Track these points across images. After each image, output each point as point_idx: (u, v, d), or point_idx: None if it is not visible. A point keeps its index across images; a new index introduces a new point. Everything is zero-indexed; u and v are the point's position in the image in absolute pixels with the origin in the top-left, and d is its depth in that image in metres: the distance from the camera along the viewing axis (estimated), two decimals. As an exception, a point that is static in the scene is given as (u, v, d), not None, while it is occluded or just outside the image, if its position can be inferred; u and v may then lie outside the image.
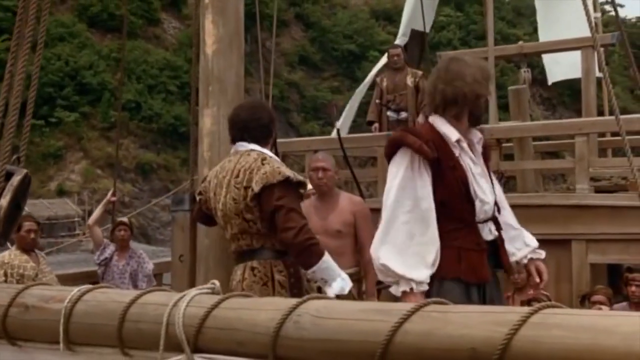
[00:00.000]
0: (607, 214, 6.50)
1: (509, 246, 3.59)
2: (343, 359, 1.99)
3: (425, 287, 3.26)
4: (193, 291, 2.33)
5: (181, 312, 2.23)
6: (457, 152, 3.39)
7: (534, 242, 3.68)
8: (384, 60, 10.75)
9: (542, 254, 3.69)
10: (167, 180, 39.71)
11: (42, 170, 38.63)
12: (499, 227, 3.51)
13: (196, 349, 2.21)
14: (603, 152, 10.67)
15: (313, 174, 5.10)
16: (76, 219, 35.65)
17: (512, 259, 3.61)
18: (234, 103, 4.47)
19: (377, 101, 9.34)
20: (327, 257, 3.76)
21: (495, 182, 3.64)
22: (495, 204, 3.50)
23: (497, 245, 3.50)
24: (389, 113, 9.14)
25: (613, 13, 8.23)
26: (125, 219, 8.01)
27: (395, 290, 3.28)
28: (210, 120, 4.41)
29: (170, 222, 4.82)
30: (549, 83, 13.43)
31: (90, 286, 2.52)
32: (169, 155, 41.82)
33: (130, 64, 41.45)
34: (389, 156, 3.41)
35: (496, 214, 3.53)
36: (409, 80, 9.02)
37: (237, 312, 2.18)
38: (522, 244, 3.66)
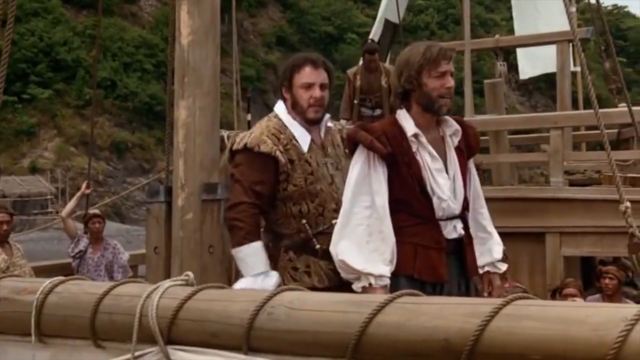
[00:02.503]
0: (580, 207, 6.56)
1: (475, 247, 3.45)
2: (317, 350, 1.99)
3: (386, 282, 3.16)
4: (167, 283, 2.32)
5: (155, 303, 2.22)
6: (414, 146, 3.29)
7: (497, 254, 3.51)
8: None
9: (502, 268, 3.53)
10: (141, 159, 39.40)
11: (15, 147, 38.19)
12: (467, 227, 3.38)
13: (170, 341, 2.21)
14: (577, 146, 10.76)
15: None
16: (49, 197, 35.32)
17: None
18: (210, 94, 4.44)
19: (350, 97, 9.21)
20: (245, 250, 3.37)
21: (474, 178, 3.49)
22: (465, 201, 3.36)
23: (463, 245, 3.36)
24: (362, 109, 9.04)
25: (588, 1, 8.25)
26: (97, 211, 7.95)
27: (356, 286, 3.18)
28: (186, 112, 4.36)
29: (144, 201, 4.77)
30: (521, 77, 13.51)
31: (63, 278, 2.50)
32: (144, 134, 41.43)
33: (105, 42, 40.83)
34: (351, 152, 3.33)
35: (468, 212, 3.42)
36: (383, 81, 8.91)
37: (210, 303, 2.18)
38: (486, 250, 3.49)
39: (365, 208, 3.20)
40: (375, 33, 11.07)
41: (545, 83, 49.29)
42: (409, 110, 3.35)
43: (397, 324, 1.89)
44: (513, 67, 14.93)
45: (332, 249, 3.23)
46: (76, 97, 40.57)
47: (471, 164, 3.53)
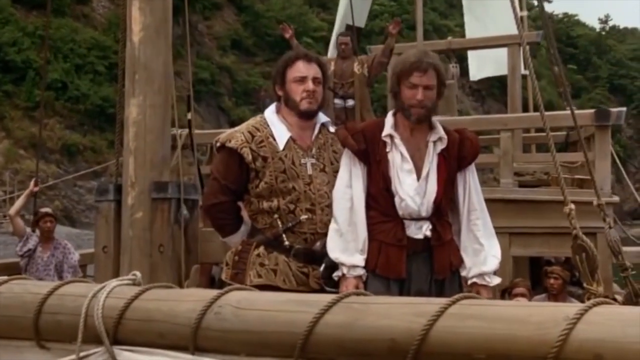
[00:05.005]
0: (529, 208, 6.65)
1: (466, 258, 3.48)
2: (264, 350, 1.99)
3: (359, 272, 3.35)
4: (113, 282, 2.30)
5: (100, 303, 2.19)
6: (388, 147, 3.43)
7: (488, 267, 3.45)
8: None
9: (491, 281, 3.47)
10: (93, 162, 38.68)
11: (-39, 149, 37.34)
12: (439, 229, 3.42)
13: (116, 341, 2.18)
14: (527, 148, 10.92)
15: None
16: (-4, 200, 34.52)
17: (462, 272, 3.51)
18: (161, 92, 4.40)
19: None
20: (234, 238, 3.55)
21: (471, 190, 3.50)
22: (436, 205, 3.41)
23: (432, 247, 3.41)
24: (335, 100, 8.96)
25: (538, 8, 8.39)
26: (49, 210, 7.83)
27: (334, 275, 3.39)
28: (136, 110, 4.33)
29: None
30: (471, 79, 13.70)
31: (6, 277, 2.45)
32: (95, 136, 40.81)
33: (57, 43, 40.03)
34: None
35: (445, 216, 3.47)
36: (356, 68, 8.92)
37: (157, 303, 2.16)
38: (477, 262, 3.46)
39: (347, 200, 3.42)
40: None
41: (498, 89, 50.00)
42: (398, 111, 3.51)
43: (344, 323, 1.89)
44: (467, 73, 15.12)
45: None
46: (26, 99, 39.77)
47: (470, 176, 3.55)
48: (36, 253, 7.34)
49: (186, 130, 7.28)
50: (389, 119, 3.49)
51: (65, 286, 2.35)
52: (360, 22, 11.20)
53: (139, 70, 4.37)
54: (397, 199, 3.39)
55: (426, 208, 3.40)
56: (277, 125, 3.51)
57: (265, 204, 3.44)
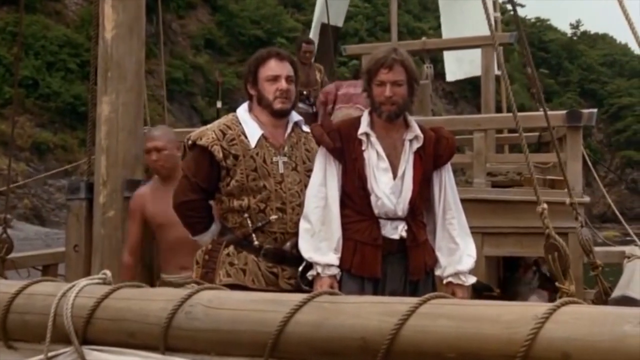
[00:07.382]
0: (502, 208, 6.68)
1: (442, 257, 3.46)
2: (235, 349, 1.99)
3: (334, 271, 3.33)
4: (83, 281, 2.28)
5: (70, 302, 2.18)
6: (364, 145, 3.42)
7: (463, 266, 3.44)
8: None
9: (467, 280, 3.46)
10: (64, 161, 38.16)
11: None
12: (414, 230, 3.41)
13: (85, 341, 2.17)
14: (500, 148, 10.98)
15: (147, 156, 4.30)
16: (-37, 200, 33.96)
17: (437, 272, 3.49)
18: (134, 90, 4.38)
19: None
20: (205, 236, 3.49)
21: (447, 189, 3.49)
22: (413, 204, 3.40)
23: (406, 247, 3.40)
24: (300, 105, 8.89)
25: (513, 12, 8.42)
26: None
27: (308, 274, 3.37)
28: (109, 108, 4.30)
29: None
30: (447, 80, 13.78)
31: (-27, 277, 2.42)
32: (66, 135, 40.35)
33: (28, 39, 39.51)
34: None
35: (420, 216, 3.47)
36: (318, 76, 8.96)
37: (128, 302, 2.15)
38: (452, 262, 3.44)
39: (321, 199, 3.39)
40: (312, 36, 11.10)
41: (471, 92, 50.25)
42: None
43: (315, 322, 1.89)
44: (440, 75, 15.15)
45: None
46: (-5, 96, 39.39)
47: (446, 175, 3.54)
48: None
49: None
50: (365, 118, 3.47)
51: (34, 285, 2.33)
52: (338, 21, 11.21)
53: (112, 68, 4.34)
54: (373, 198, 3.37)
55: (402, 207, 3.39)
56: (249, 123, 3.47)
57: (236, 203, 3.39)
